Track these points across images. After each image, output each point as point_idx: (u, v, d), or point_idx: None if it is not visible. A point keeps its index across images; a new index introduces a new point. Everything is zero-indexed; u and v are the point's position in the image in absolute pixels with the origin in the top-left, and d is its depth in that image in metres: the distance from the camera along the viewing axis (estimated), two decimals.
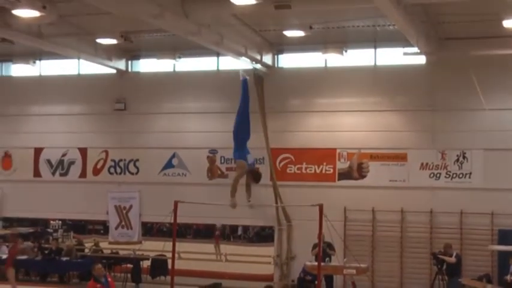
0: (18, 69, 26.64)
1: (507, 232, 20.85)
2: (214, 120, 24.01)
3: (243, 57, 21.73)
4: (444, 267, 18.78)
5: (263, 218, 23.57)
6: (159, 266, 24.47)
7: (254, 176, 12.88)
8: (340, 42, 22.14)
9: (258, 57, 22.41)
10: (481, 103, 20.98)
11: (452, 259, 18.62)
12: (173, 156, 24.52)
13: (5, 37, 21.00)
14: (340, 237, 19.76)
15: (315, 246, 19.01)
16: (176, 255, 14.52)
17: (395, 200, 22.02)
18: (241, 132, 13.17)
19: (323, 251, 18.04)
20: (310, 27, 19.66)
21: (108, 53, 24.06)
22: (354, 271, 20.02)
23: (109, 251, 26.31)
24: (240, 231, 41.18)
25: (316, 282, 16.09)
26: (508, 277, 19.61)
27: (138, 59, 25.62)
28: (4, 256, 23.70)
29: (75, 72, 26.13)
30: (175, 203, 13.59)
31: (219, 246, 33.08)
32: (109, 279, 13.74)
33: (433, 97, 21.95)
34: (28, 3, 16.24)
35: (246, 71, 15.20)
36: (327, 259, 20.08)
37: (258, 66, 22.69)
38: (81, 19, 20.57)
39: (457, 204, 21.44)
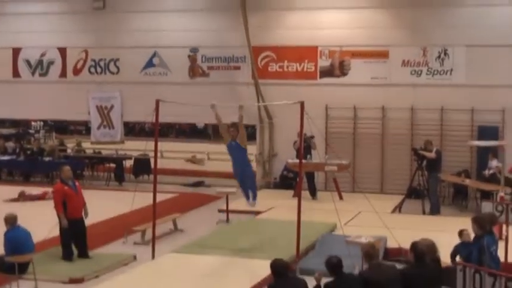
0: None
1: (486, 128, 21.08)
2: (195, 18, 23.74)
3: None
4: (424, 163, 18.98)
5: (245, 117, 23.36)
6: (142, 165, 24.60)
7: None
8: None
9: None
10: None
11: (432, 154, 18.79)
12: (154, 55, 24.30)
13: None
14: (322, 134, 19.91)
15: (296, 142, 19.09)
16: (159, 154, 14.55)
17: (377, 97, 22.08)
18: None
19: (305, 145, 18.21)
20: None
21: None
22: (336, 168, 20.27)
23: (91, 151, 26.41)
24: None
25: (297, 179, 16.24)
26: (486, 172, 19.93)
27: None
28: None
29: None
30: (157, 102, 13.55)
31: None
32: (76, 183, 13.48)
33: None
34: None
35: None
36: (308, 156, 20.21)
37: None
38: None
39: (438, 100, 21.54)
